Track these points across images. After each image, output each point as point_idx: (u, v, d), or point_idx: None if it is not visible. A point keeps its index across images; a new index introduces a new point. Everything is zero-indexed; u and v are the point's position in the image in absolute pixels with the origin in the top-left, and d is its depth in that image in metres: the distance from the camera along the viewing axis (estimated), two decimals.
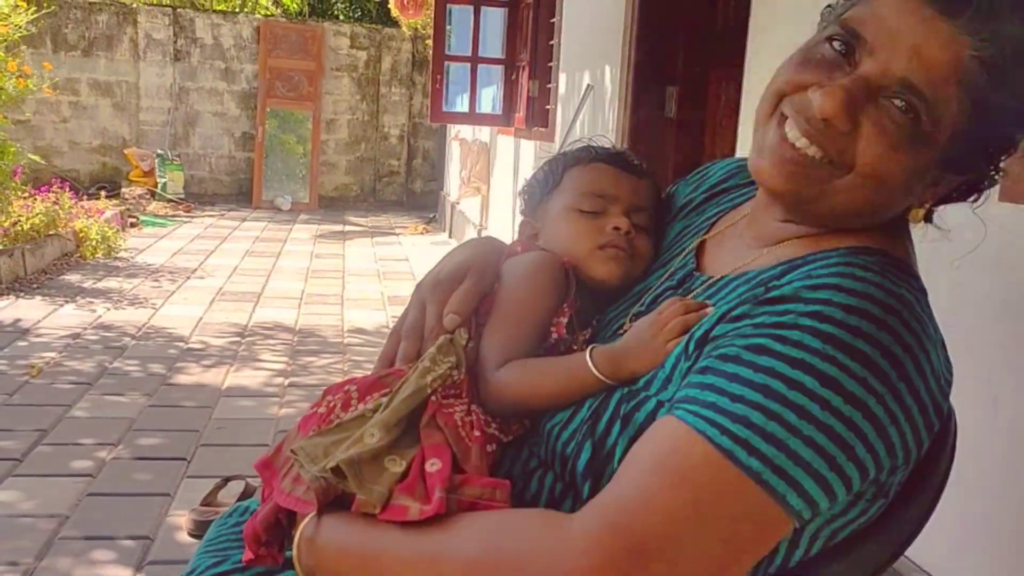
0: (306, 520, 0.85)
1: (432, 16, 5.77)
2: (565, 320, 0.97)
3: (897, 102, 0.74)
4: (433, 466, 0.84)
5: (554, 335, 0.96)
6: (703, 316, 0.82)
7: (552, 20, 4.81)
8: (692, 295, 0.89)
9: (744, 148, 2.61)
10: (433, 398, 0.89)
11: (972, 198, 0.84)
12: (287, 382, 3.69)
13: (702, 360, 0.77)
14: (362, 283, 5.89)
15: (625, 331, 0.91)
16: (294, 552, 0.85)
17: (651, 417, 0.78)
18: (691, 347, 0.80)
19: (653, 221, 1.06)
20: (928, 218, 0.85)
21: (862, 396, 0.69)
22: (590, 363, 0.86)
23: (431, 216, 9.26)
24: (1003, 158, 0.79)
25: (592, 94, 3.91)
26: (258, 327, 4.58)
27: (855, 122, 0.75)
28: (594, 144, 1.11)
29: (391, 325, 4.73)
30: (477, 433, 0.88)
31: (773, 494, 0.68)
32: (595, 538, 0.68)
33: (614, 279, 1.01)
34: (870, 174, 0.77)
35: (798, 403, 0.69)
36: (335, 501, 0.84)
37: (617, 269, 1.01)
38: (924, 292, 0.78)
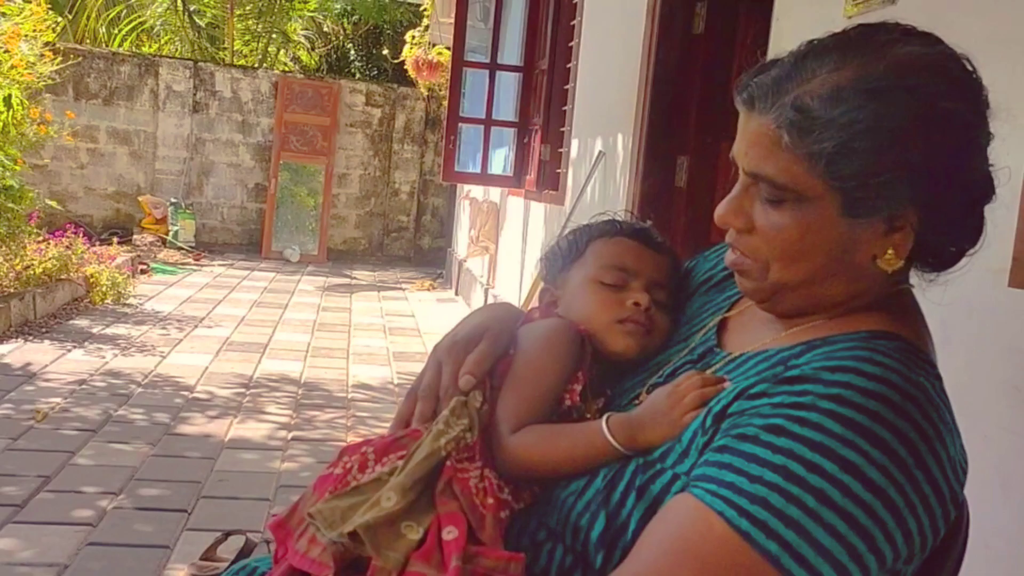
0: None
1: (447, 78, 5.90)
2: (579, 387, 0.98)
3: (763, 189, 0.82)
4: (450, 534, 0.85)
5: (567, 401, 0.97)
6: (720, 391, 0.82)
7: (566, 87, 4.92)
8: (712, 370, 0.90)
9: None
10: (448, 462, 0.90)
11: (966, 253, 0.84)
12: (290, 436, 3.68)
13: (719, 438, 0.77)
14: (368, 338, 5.91)
15: (641, 402, 0.92)
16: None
17: (666, 489, 0.79)
18: (708, 422, 0.80)
19: (673, 298, 1.08)
20: (921, 267, 0.85)
21: (882, 484, 0.70)
22: (606, 431, 0.87)
23: (438, 273, 9.32)
24: (900, 187, 0.77)
25: (604, 160, 3.98)
26: (264, 379, 4.58)
27: (750, 221, 0.84)
28: (618, 218, 1.12)
29: (396, 381, 4.78)
30: (491, 500, 0.88)
31: None
32: None
33: (631, 353, 1.02)
34: (780, 255, 0.82)
35: (818, 487, 0.69)
36: (351, 564, 0.85)
37: (634, 344, 1.01)
38: (940, 379, 0.79)
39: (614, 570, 0.76)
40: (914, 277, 0.87)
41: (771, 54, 1.24)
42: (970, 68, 0.80)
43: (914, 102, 0.76)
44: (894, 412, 0.71)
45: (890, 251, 0.79)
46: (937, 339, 0.88)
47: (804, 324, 0.87)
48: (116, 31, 11.37)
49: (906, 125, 0.75)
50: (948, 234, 0.81)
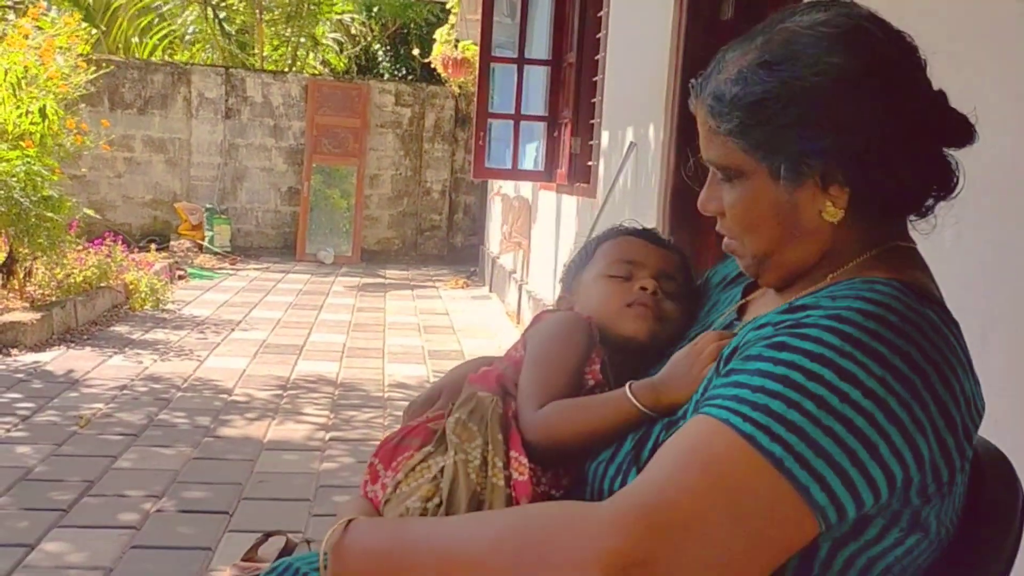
0: (332, 530, 0.89)
1: (475, 74, 5.89)
2: (598, 366, 1.01)
3: (718, 173, 0.91)
4: None
5: (591, 381, 1.00)
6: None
7: (595, 79, 4.88)
8: None
9: None
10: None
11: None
12: (328, 436, 3.70)
13: (724, 370, 0.82)
14: (403, 337, 5.92)
15: None
16: (320, 562, 0.89)
17: None
18: (722, 365, 0.84)
19: (683, 290, 1.11)
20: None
21: (882, 395, 0.72)
22: (631, 396, 0.91)
23: (471, 270, 9.32)
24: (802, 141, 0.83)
25: (635, 151, 3.94)
26: (301, 380, 4.61)
27: (720, 205, 0.91)
28: (626, 224, 1.19)
29: (432, 379, 4.77)
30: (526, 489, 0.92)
31: (796, 485, 0.70)
32: (622, 517, 0.71)
33: (641, 336, 1.05)
34: (743, 229, 0.90)
35: (818, 394, 0.72)
36: None
37: (644, 326, 1.05)
38: (951, 316, 0.81)
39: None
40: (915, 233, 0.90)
41: None
42: (872, 24, 0.84)
43: (802, 65, 0.82)
44: (892, 331, 0.74)
45: (828, 204, 0.83)
46: None
47: (798, 291, 0.90)
48: (147, 40, 11.53)
49: (799, 88, 0.81)
50: (889, 180, 0.82)
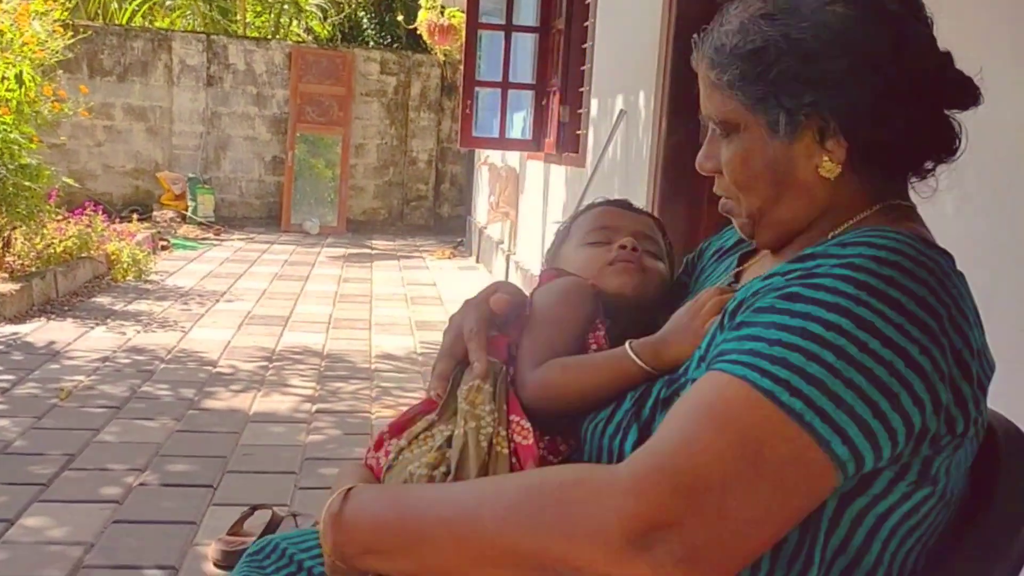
0: (331, 499, 0.86)
1: (462, 42, 5.79)
2: (602, 332, 0.99)
3: (716, 129, 0.89)
4: None
5: (594, 347, 0.98)
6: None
7: (584, 46, 4.80)
8: None
9: None
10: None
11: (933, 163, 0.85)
12: (315, 408, 3.66)
13: (732, 324, 0.79)
14: (390, 308, 5.87)
15: None
16: (321, 530, 0.86)
17: None
18: (726, 321, 0.82)
19: (661, 252, 1.11)
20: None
21: (902, 343, 0.70)
22: (631, 353, 0.89)
23: (458, 241, 9.26)
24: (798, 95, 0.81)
25: (625, 119, 3.87)
26: (286, 352, 4.56)
27: (718, 163, 0.89)
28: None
29: (419, 351, 4.74)
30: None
31: (818, 439, 0.68)
32: (642, 479, 0.69)
33: (628, 289, 1.04)
34: (740, 185, 0.88)
35: (836, 344, 0.70)
36: None
37: (629, 280, 1.04)
38: (961, 275, 0.78)
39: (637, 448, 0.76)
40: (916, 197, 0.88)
41: None
42: None
43: (804, 16, 0.81)
44: (907, 277, 0.72)
45: (825, 159, 0.82)
46: None
47: (796, 251, 0.86)
48: (127, 6, 11.29)
49: (799, 39, 0.80)
50: (888, 136, 0.81)
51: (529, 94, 5.58)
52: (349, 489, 0.86)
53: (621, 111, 3.90)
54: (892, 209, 0.85)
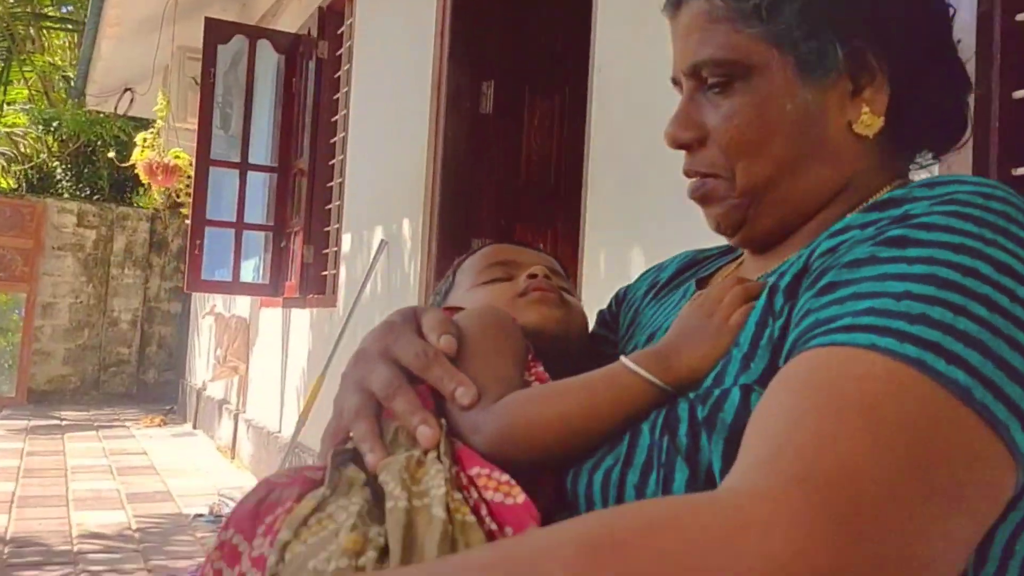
0: None
1: (186, 183, 5.33)
2: (541, 367, 0.71)
3: (709, 76, 0.69)
4: None
5: (534, 383, 0.69)
6: (763, 288, 0.63)
7: (330, 184, 4.60)
8: None
9: None
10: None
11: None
12: None
13: (812, 292, 0.57)
14: (92, 480, 4.93)
15: None
16: None
17: (743, 408, 0.56)
18: (778, 302, 0.60)
19: (571, 290, 0.86)
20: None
21: None
22: (632, 367, 0.62)
23: (168, 408, 8.26)
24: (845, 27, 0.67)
25: (387, 249, 3.66)
26: None
27: (702, 129, 0.70)
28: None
29: (135, 525, 3.94)
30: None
31: (994, 424, 0.48)
32: (780, 502, 0.43)
33: (551, 323, 0.78)
34: (742, 149, 0.68)
35: (982, 292, 0.51)
36: None
37: (548, 312, 0.79)
38: None
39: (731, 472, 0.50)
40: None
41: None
42: None
43: None
44: (1018, 210, 0.56)
45: (865, 110, 0.67)
46: None
47: (795, 247, 0.68)
48: None
49: None
50: (932, 96, 0.69)
51: (264, 236, 5.21)
52: None
53: (382, 241, 3.70)
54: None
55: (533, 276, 0.80)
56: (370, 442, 0.63)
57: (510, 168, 3.37)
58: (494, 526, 0.55)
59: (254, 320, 5.77)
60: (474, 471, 0.59)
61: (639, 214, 2.24)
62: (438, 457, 0.60)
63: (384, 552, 0.52)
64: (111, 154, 7.26)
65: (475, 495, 0.57)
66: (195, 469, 5.39)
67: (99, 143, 10.12)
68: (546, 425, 0.62)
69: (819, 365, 0.51)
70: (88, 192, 10.31)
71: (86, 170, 10.48)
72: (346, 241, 4.25)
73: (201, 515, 4.13)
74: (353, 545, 0.52)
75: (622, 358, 0.63)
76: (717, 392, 0.58)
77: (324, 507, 0.57)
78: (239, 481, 4.88)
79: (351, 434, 0.65)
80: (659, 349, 0.64)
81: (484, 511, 0.56)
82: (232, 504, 3.50)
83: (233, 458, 5.67)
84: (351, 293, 3.97)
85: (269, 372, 5.26)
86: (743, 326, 0.61)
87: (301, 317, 4.82)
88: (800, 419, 0.48)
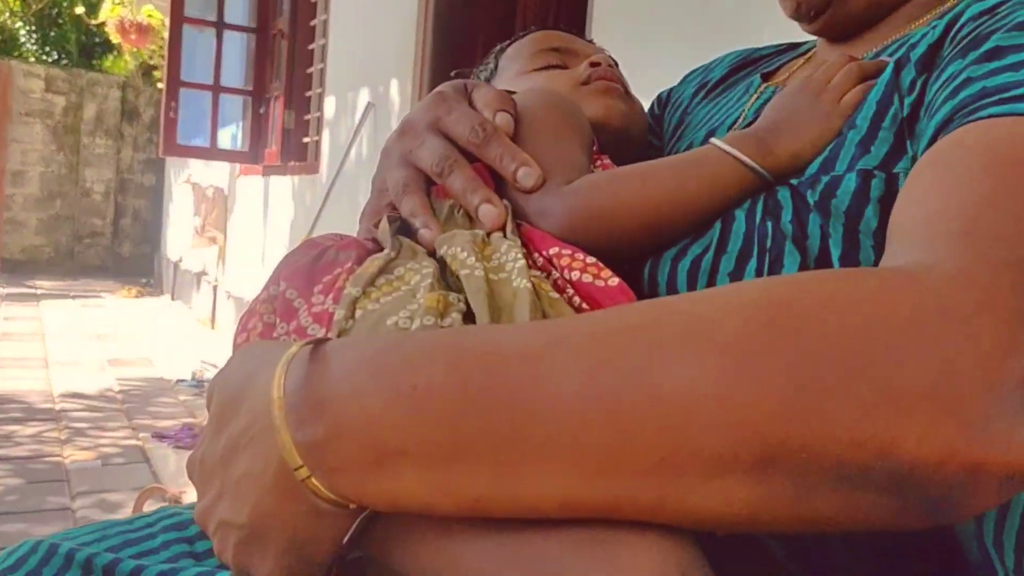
0: (289, 353, 0.41)
1: (160, 44, 5.09)
2: (608, 158, 0.65)
3: None
4: None
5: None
6: (884, 66, 0.56)
7: (311, 46, 4.41)
8: None
9: None
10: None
11: None
12: None
13: (971, 57, 0.49)
14: (71, 345, 4.90)
15: None
16: (281, 418, 0.39)
17: (862, 194, 0.50)
18: (906, 78, 0.53)
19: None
20: None
21: None
22: (728, 149, 0.55)
23: (144, 281, 8.19)
24: None
25: (374, 112, 3.54)
26: None
27: None
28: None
29: (118, 388, 3.93)
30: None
31: None
32: (988, 290, 0.37)
33: (616, 116, 0.71)
34: None
35: None
36: None
37: (614, 104, 0.71)
38: None
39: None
40: None
41: None
42: None
43: None
44: None
45: None
46: None
47: (880, 39, 0.61)
48: None
49: None
50: None
51: (242, 101, 5.03)
52: (317, 342, 0.42)
53: (369, 104, 3.57)
54: None
55: (596, 64, 0.73)
56: (424, 216, 0.57)
57: (506, 21, 3.22)
58: (585, 307, 0.50)
59: (232, 189, 5.64)
60: (552, 251, 0.53)
61: (647, 65, 2.15)
62: (504, 236, 0.54)
63: (467, 318, 0.47)
64: (80, 9, 6.89)
65: (556, 274, 0.52)
66: (174, 338, 5.38)
67: (65, 2, 9.65)
68: (633, 208, 0.56)
69: (1002, 137, 0.44)
70: (56, 57, 9.90)
71: (52, 33, 10.04)
72: (329, 105, 4.10)
73: (183, 380, 4.13)
74: (437, 304, 0.47)
75: (713, 140, 0.57)
76: (826, 179, 0.52)
77: (391, 269, 0.52)
78: (220, 350, 4.87)
79: (399, 211, 0.59)
80: (757, 132, 0.57)
81: (570, 291, 0.51)
82: (215, 371, 3.49)
83: (213, 327, 5.65)
84: (335, 160, 3.86)
85: (248, 242, 5.18)
86: (858, 107, 0.55)
87: (282, 185, 4.71)
88: (989, 194, 0.42)
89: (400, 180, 0.60)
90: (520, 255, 0.51)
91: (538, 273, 0.51)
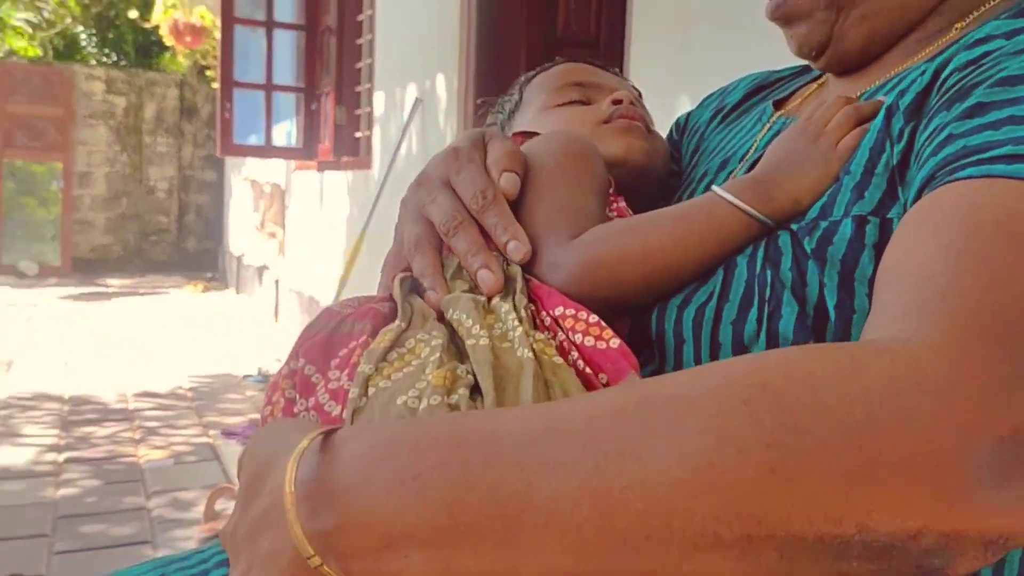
0: (300, 448, 0.43)
1: (214, 45, 5.19)
2: (623, 202, 0.67)
3: None
4: None
5: (615, 219, 0.64)
6: (879, 107, 0.56)
7: (359, 41, 4.44)
8: None
9: None
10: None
11: None
12: (63, 458, 2.94)
13: (955, 112, 0.49)
14: (144, 344, 5.07)
15: None
16: (289, 510, 0.41)
17: (857, 241, 0.51)
18: (896, 125, 0.53)
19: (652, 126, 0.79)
20: None
21: None
22: (728, 197, 0.56)
23: (210, 275, 8.41)
24: None
25: (422, 108, 3.56)
26: (13, 400, 3.71)
27: None
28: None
29: (188, 385, 4.06)
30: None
31: None
32: (960, 359, 0.38)
33: (636, 155, 0.72)
34: None
35: None
36: None
37: (635, 142, 0.72)
38: None
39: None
40: None
41: None
42: None
43: None
44: None
45: None
46: None
47: (884, 70, 0.62)
48: None
49: None
50: None
51: (295, 98, 5.10)
52: (328, 433, 0.44)
53: (417, 100, 3.59)
54: None
55: (618, 102, 0.74)
56: (431, 277, 0.60)
57: (547, 18, 3.21)
58: (588, 370, 0.52)
59: (289, 185, 5.74)
60: (558, 311, 0.55)
61: (687, 63, 2.12)
62: (513, 295, 0.56)
63: (474, 391, 0.49)
64: (133, 14, 7.05)
65: (561, 336, 0.53)
66: (240, 332, 5.52)
67: (121, 4, 9.88)
68: (638, 259, 0.57)
69: (978, 201, 0.44)
70: (114, 59, 10.16)
71: (110, 35, 10.29)
72: (378, 101, 4.14)
73: (250, 375, 4.25)
74: (443, 381, 0.49)
75: (715, 188, 0.58)
76: (824, 224, 0.53)
77: (403, 342, 0.54)
78: (283, 343, 4.99)
79: (411, 266, 0.61)
80: (758, 178, 0.58)
81: (574, 355, 0.52)
82: (279, 365, 3.55)
83: (277, 320, 5.79)
84: (386, 154, 3.90)
85: (307, 236, 5.27)
86: (854, 151, 0.55)
87: (336, 180, 4.78)
88: (963, 261, 0.42)
89: (413, 237, 0.62)
90: (518, 323, 0.53)
91: (543, 336, 0.53)
